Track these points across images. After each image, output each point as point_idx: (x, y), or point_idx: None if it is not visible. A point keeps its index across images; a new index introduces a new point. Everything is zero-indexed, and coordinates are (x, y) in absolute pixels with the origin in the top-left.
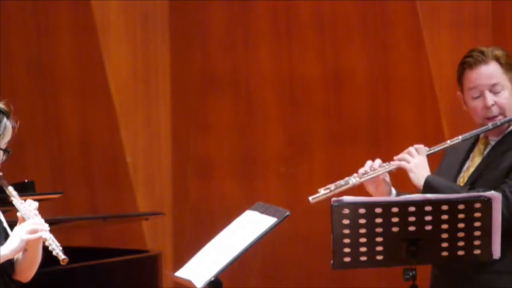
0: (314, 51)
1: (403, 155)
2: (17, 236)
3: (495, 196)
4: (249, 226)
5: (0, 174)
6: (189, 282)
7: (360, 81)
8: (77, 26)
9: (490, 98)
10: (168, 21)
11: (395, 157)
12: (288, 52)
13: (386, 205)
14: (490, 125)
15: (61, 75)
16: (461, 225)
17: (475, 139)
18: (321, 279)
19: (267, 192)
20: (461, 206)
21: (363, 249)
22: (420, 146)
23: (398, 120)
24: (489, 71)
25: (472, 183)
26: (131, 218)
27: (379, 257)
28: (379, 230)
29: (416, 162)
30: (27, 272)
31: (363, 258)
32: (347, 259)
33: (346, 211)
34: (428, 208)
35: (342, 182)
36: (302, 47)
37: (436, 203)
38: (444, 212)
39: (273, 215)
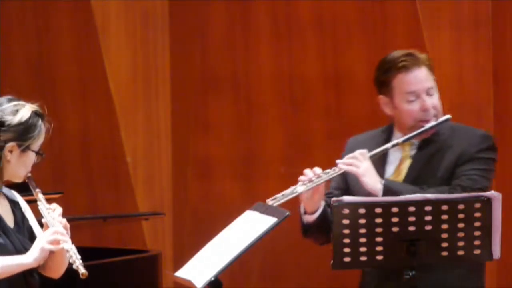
0: (314, 51)
1: (350, 159)
2: (38, 246)
3: (495, 196)
4: (249, 226)
5: (29, 175)
6: (189, 282)
7: (360, 81)
8: (77, 26)
9: (428, 101)
10: (168, 21)
11: (338, 162)
12: (288, 52)
13: (386, 205)
14: (426, 126)
15: (61, 75)
16: (461, 225)
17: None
18: (321, 279)
19: (267, 192)
20: (461, 206)
21: (363, 249)
22: (364, 151)
23: None
24: (424, 74)
25: (412, 183)
26: (131, 218)
27: (379, 257)
28: (379, 230)
29: (365, 166)
30: (58, 270)
31: (363, 258)
32: (347, 259)
33: (346, 211)
34: (428, 208)
35: (288, 191)
36: (302, 47)
37: (436, 203)
38: (444, 212)
39: (273, 215)
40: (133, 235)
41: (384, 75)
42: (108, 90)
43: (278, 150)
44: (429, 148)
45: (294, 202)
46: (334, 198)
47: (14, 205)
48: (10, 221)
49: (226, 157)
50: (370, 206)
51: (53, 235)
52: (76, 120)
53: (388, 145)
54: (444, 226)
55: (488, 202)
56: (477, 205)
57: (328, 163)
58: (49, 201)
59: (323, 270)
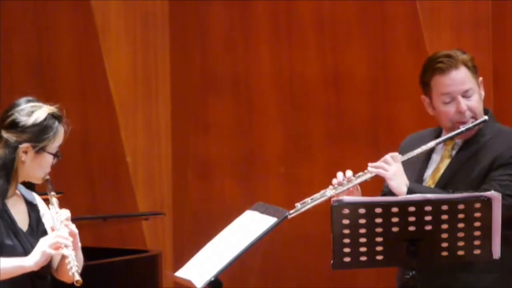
0: (314, 51)
1: (379, 163)
2: (40, 249)
3: (495, 196)
4: (249, 226)
5: (47, 177)
6: (189, 282)
7: (360, 81)
8: (77, 26)
9: (463, 103)
10: (168, 21)
11: (369, 165)
12: (288, 52)
13: (386, 205)
14: (463, 128)
15: (61, 75)
16: (461, 225)
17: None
18: (321, 279)
19: (267, 192)
20: (461, 206)
21: (363, 249)
22: (395, 154)
23: (398, 120)
24: (461, 76)
25: (446, 183)
26: (131, 218)
27: (379, 257)
28: (379, 230)
29: (394, 170)
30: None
31: (363, 258)
32: (347, 259)
33: (346, 211)
34: (428, 208)
35: (318, 195)
36: (302, 47)
37: (436, 203)
38: (444, 212)
39: (273, 215)
40: (133, 235)
41: (424, 76)
42: (108, 90)
43: (278, 150)
44: (469, 149)
45: (294, 202)
46: (334, 198)
47: (31, 207)
48: (24, 224)
49: (226, 157)
50: (370, 206)
51: (55, 239)
52: (76, 120)
53: (423, 147)
54: (444, 226)
55: (488, 202)
56: (477, 205)
57: (328, 163)
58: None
59: (323, 270)
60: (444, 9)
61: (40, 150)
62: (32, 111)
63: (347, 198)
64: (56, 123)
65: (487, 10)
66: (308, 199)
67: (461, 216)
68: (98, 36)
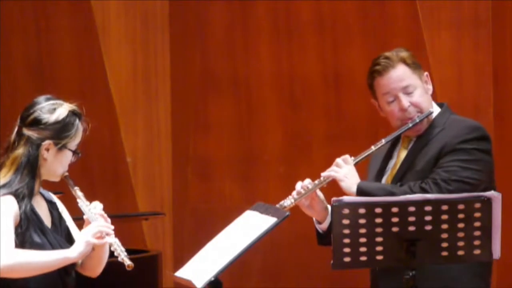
0: (314, 51)
1: (331, 167)
2: (83, 239)
3: (495, 196)
4: (249, 226)
5: (66, 174)
6: (189, 282)
7: (360, 81)
8: (77, 26)
9: (405, 100)
10: (168, 21)
11: (322, 173)
12: (288, 52)
13: (386, 205)
14: (410, 123)
15: (61, 75)
16: (461, 225)
17: (396, 140)
18: (321, 279)
19: (267, 192)
20: (461, 206)
21: (363, 249)
22: (346, 157)
23: None
24: (398, 74)
25: (400, 178)
26: (131, 218)
27: (379, 257)
28: (379, 230)
29: (345, 171)
30: (96, 268)
31: (363, 258)
32: (347, 259)
33: (346, 211)
34: (428, 208)
35: (277, 206)
36: (302, 47)
37: (436, 203)
38: (444, 212)
39: (273, 215)
40: (133, 235)
41: (368, 79)
42: (108, 90)
43: (278, 150)
44: (421, 142)
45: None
46: (334, 198)
47: (52, 205)
48: (47, 221)
49: (226, 157)
50: (370, 206)
51: (97, 228)
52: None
53: (372, 147)
54: (444, 226)
55: (488, 202)
56: (477, 205)
57: (328, 163)
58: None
59: (323, 270)
60: (444, 9)
61: (62, 147)
62: (54, 108)
63: (347, 198)
64: (77, 120)
65: (487, 10)
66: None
67: (461, 216)
68: (98, 36)
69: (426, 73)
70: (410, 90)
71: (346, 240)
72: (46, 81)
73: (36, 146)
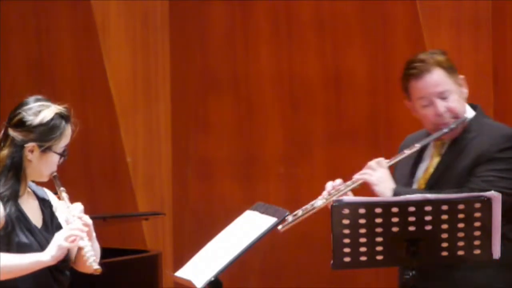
0: (314, 51)
1: (364, 170)
2: (56, 243)
3: (495, 196)
4: (249, 226)
5: (55, 174)
6: (189, 282)
7: (360, 81)
8: (77, 26)
9: (440, 105)
10: (168, 21)
11: (355, 175)
12: (288, 52)
13: (386, 205)
14: (445, 129)
15: (61, 75)
16: (461, 225)
17: (425, 145)
18: (321, 279)
19: (267, 192)
20: (461, 206)
21: (363, 249)
22: (381, 159)
23: (398, 120)
24: (434, 79)
25: (435, 183)
26: (131, 218)
27: (379, 257)
28: (379, 230)
29: (378, 175)
30: (89, 265)
31: (363, 258)
32: (347, 259)
33: (346, 211)
34: (428, 208)
35: (308, 206)
36: (302, 47)
37: (436, 203)
38: (444, 212)
39: (273, 215)
40: (133, 235)
41: (403, 82)
42: (108, 90)
43: (278, 150)
44: (456, 147)
45: (294, 202)
46: (334, 198)
47: (44, 203)
48: (38, 220)
49: (226, 157)
50: (370, 206)
51: (69, 232)
52: (76, 120)
53: (406, 151)
54: (444, 226)
55: (488, 202)
56: (477, 205)
57: (328, 163)
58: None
59: (323, 270)
60: (444, 9)
61: (46, 150)
62: (39, 111)
63: (347, 198)
64: (63, 123)
65: (487, 10)
66: (299, 211)
67: (461, 216)
68: (98, 36)
69: (462, 76)
70: (446, 95)
71: (346, 240)
72: (46, 81)
73: (19, 148)
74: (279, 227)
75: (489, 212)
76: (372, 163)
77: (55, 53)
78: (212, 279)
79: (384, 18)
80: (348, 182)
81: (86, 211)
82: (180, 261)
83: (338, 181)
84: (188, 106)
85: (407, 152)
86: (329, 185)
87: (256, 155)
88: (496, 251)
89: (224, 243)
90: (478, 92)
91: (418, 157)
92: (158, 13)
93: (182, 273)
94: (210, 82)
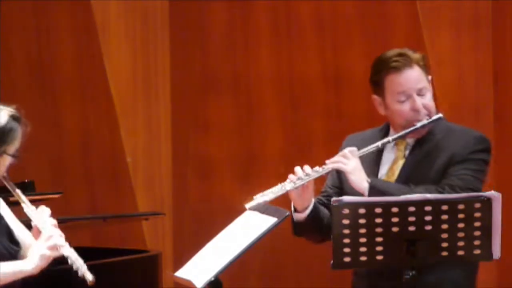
0: (314, 51)
1: (338, 157)
2: (38, 253)
3: (495, 196)
4: (249, 226)
5: (4, 175)
6: (189, 282)
7: (360, 81)
8: (77, 26)
9: (419, 101)
10: (168, 21)
11: (327, 161)
12: (288, 52)
13: (386, 205)
14: (418, 124)
15: (61, 75)
16: (461, 225)
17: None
18: (321, 279)
19: None
20: (461, 206)
21: (363, 249)
22: (353, 148)
23: None
24: (415, 75)
25: (404, 182)
26: (131, 218)
27: (379, 257)
28: (379, 230)
29: (353, 164)
30: None
31: (363, 258)
32: (347, 259)
33: (346, 211)
34: (428, 208)
35: (276, 188)
36: (302, 47)
37: (436, 203)
38: (444, 212)
39: (273, 215)
40: (133, 235)
41: (377, 75)
42: (108, 90)
43: (278, 150)
44: (423, 148)
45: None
46: (334, 198)
47: None
48: None
49: (226, 157)
50: (370, 206)
51: (50, 240)
52: (76, 120)
53: (378, 143)
54: (444, 226)
55: (488, 202)
56: (477, 205)
57: None
58: (49, 201)
59: (323, 270)
60: (444, 9)
61: (1, 153)
62: None
63: (347, 198)
64: (17, 125)
65: (487, 10)
66: (267, 191)
67: (461, 216)
68: (98, 36)
69: (430, 77)
70: (424, 92)
71: (346, 240)
72: (46, 81)
73: None
74: (246, 206)
75: (489, 212)
76: (346, 151)
77: (55, 53)
78: (212, 279)
79: (384, 18)
80: (319, 168)
81: (86, 211)
82: (180, 261)
83: (308, 167)
84: (188, 106)
85: (379, 143)
86: (299, 169)
87: (256, 155)
88: (496, 251)
89: (224, 243)
90: (478, 92)
91: (378, 156)
92: (158, 13)
93: (182, 273)
94: (210, 82)
